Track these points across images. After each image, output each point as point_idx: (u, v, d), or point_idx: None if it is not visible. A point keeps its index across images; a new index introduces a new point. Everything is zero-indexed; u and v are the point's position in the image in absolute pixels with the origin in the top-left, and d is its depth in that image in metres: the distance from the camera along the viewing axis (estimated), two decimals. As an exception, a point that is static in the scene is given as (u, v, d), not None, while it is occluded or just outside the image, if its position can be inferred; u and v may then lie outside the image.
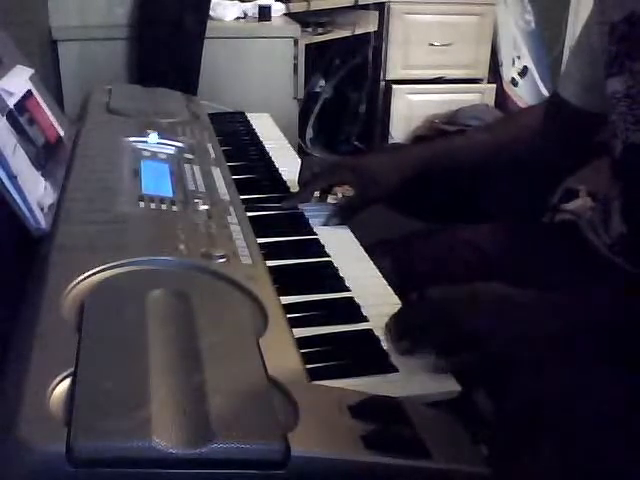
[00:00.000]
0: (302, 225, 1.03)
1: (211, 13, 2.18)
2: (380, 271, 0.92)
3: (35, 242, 0.80)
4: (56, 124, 1.03)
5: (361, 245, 1.00)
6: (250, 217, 0.97)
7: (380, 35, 2.95)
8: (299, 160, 1.26)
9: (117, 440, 0.49)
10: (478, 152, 1.15)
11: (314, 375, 0.66)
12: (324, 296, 0.84)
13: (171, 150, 1.10)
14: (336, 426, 0.57)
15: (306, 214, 1.07)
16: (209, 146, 1.20)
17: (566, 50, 3.42)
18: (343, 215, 1.06)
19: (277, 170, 1.24)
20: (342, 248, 0.97)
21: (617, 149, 0.95)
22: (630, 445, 0.68)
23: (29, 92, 0.98)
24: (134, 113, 1.24)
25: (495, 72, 3.18)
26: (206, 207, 0.92)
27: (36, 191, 0.83)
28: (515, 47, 3.24)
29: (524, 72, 3.26)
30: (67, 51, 2.03)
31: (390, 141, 3.04)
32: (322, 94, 3.04)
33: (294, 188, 1.14)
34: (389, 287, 0.88)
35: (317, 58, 2.90)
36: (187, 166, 1.05)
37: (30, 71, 1.03)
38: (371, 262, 0.95)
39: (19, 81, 0.97)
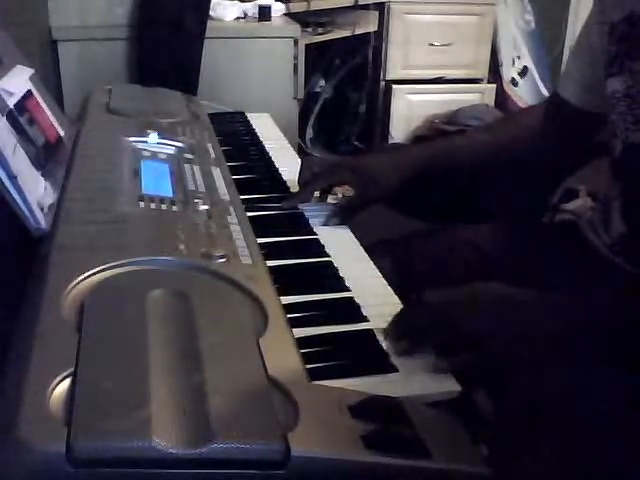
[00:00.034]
0: (302, 225, 1.03)
1: (211, 13, 2.18)
2: (380, 271, 0.92)
3: (35, 242, 0.80)
4: (56, 124, 1.03)
5: (361, 245, 1.00)
6: (250, 217, 0.97)
7: (380, 35, 2.95)
8: (299, 160, 1.26)
9: (117, 440, 0.49)
10: (478, 152, 1.15)
11: (314, 375, 0.66)
12: (324, 296, 0.84)
13: (171, 150, 1.10)
14: (336, 426, 0.57)
15: (306, 214, 1.07)
16: (209, 146, 1.20)
17: (566, 50, 3.42)
18: (343, 215, 1.06)
19: (277, 170, 1.24)
20: (342, 248, 0.97)
21: (617, 149, 0.95)
22: (630, 445, 0.68)
23: (29, 92, 0.98)
24: (134, 113, 1.24)
25: (495, 72, 3.18)
26: (206, 207, 0.92)
27: (36, 191, 0.83)
28: (515, 47, 3.24)
29: (524, 72, 3.26)
30: (67, 51, 2.03)
31: (390, 141, 3.04)
32: (322, 94, 3.04)
33: (294, 188, 1.14)
34: (389, 287, 0.88)
35: (317, 58, 2.90)
36: (187, 166, 1.05)
37: (30, 71, 1.03)
38: (371, 262, 0.95)
39: (19, 81, 0.97)
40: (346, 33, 2.76)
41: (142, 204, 0.88)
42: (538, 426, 0.71)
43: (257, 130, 1.48)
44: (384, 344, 0.75)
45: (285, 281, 0.83)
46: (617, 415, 0.70)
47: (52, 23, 2.00)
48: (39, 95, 1.01)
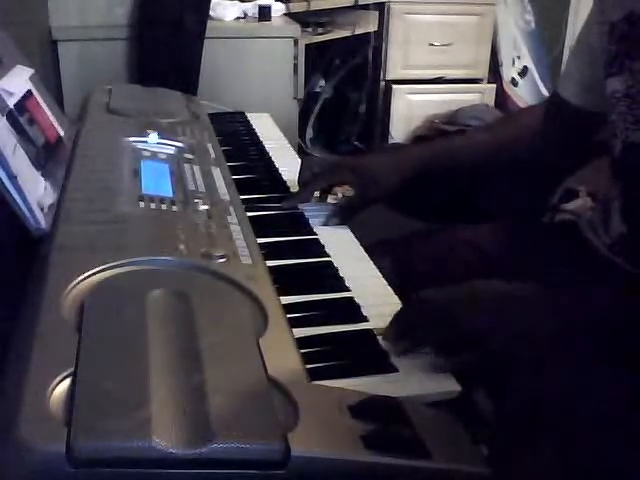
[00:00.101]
0: (302, 225, 1.03)
1: (211, 13, 2.18)
2: (380, 271, 0.92)
3: (35, 242, 0.80)
4: (56, 124, 1.03)
5: (361, 245, 1.00)
6: (250, 217, 0.97)
7: (380, 35, 2.95)
8: (299, 160, 1.26)
9: (117, 440, 0.49)
10: (478, 152, 1.15)
11: (314, 375, 0.66)
12: (324, 296, 0.84)
13: (171, 150, 1.10)
14: (336, 426, 0.57)
15: (306, 214, 1.07)
16: (209, 146, 1.20)
17: (566, 50, 3.42)
18: (343, 215, 1.06)
19: (277, 170, 1.24)
20: (342, 248, 0.97)
21: (617, 149, 0.95)
22: (630, 445, 0.68)
23: (29, 92, 0.98)
24: (134, 113, 1.24)
25: (495, 72, 3.18)
26: (206, 207, 0.92)
27: (36, 191, 0.83)
28: (515, 47, 3.24)
29: (524, 72, 3.26)
30: (67, 51, 2.03)
31: (390, 141, 3.04)
32: (322, 94, 3.04)
33: (294, 188, 1.14)
34: (389, 287, 0.88)
35: (317, 58, 2.90)
36: (187, 166, 1.05)
37: (30, 71, 1.03)
38: (371, 262, 0.95)
39: (19, 81, 0.97)
40: (346, 33, 2.76)
41: (142, 204, 0.88)
42: (538, 426, 0.71)
43: (257, 130, 1.48)
44: (384, 344, 0.75)
45: (285, 281, 0.83)
46: (617, 415, 0.70)
47: (52, 23, 2.00)
48: (39, 95, 1.01)
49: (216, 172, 1.08)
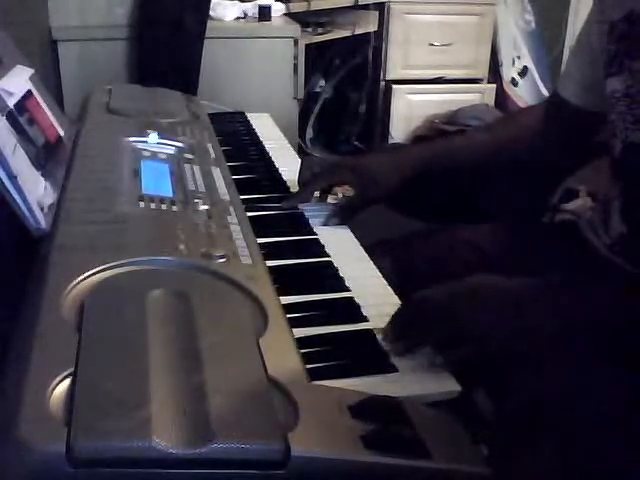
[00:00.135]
0: (302, 225, 1.03)
1: (211, 13, 2.18)
2: (380, 271, 0.92)
3: (35, 242, 0.80)
4: (56, 124, 1.03)
5: (361, 245, 1.00)
6: (250, 217, 0.97)
7: (380, 35, 2.95)
8: (299, 160, 1.26)
9: (117, 440, 0.49)
10: (478, 152, 1.15)
11: (314, 375, 0.66)
12: (324, 296, 0.84)
13: (171, 150, 1.10)
14: (336, 426, 0.57)
15: (306, 214, 1.07)
16: (209, 146, 1.20)
17: (566, 50, 3.42)
18: (343, 215, 1.06)
19: (277, 170, 1.24)
20: (342, 248, 0.97)
21: (616, 148, 0.95)
22: (630, 445, 0.68)
23: (29, 92, 0.98)
24: (134, 113, 1.24)
25: (495, 72, 3.18)
26: (206, 207, 0.92)
27: (36, 191, 0.83)
28: (515, 47, 3.24)
29: (524, 72, 3.26)
30: (67, 51, 2.03)
31: (390, 141, 3.04)
32: (322, 94, 3.04)
33: (294, 188, 1.14)
34: (389, 287, 0.88)
35: (317, 58, 2.90)
36: (187, 166, 1.05)
37: (30, 71, 1.03)
38: (371, 262, 0.95)
39: (19, 81, 0.97)
40: (346, 33, 2.76)
41: (142, 204, 0.88)
42: (538, 426, 0.71)
43: (257, 130, 1.48)
44: (383, 344, 0.75)
45: (285, 281, 0.83)
46: (617, 415, 0.70)
47: (52, 23, 2.00)
48: (39, 95, 1.01)
49: (216, 172, 1.08)
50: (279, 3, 2.41)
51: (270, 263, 0.86)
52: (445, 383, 0.70)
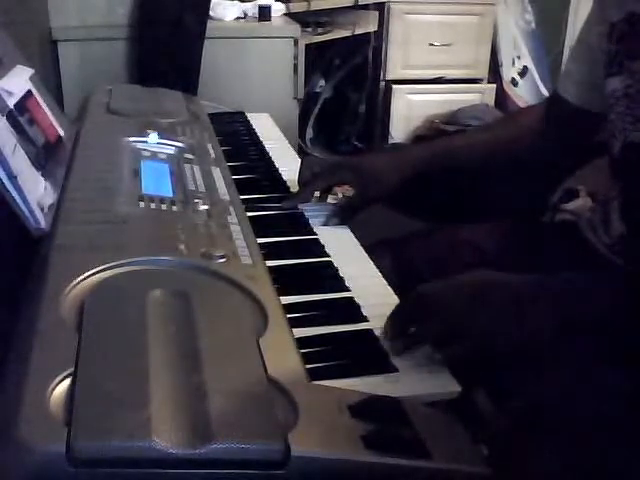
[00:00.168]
0: (302, 225, 1.03)
1: (211, 13, 2.18)
2: (380, 271, 0.92)
3: (35, 242, 0.80)
4: (56, 124, 1.03)
5: (361, 245, 1.00)
6: (250, 217, 0.97)
7: (380, 35, 2.95)
8: (299, 160, 1.26)
9: (117, 440, 0.49)
10: (478, 152, 1.15)
11: (314, 375, 0.66)
12: (324, 296, 0.84)
13: (171, 150, 1.10)
14: (336, 426, 0.57)
15: (306, 214, 1.07)
16: (209, 146, 1.20)
17: (566, 50, 3.42)
18: (343, 215, 1.06)
19: (277, 170, 1.24)
20: (342, 248, 0.97)
21: (616, 148, 0.95)
22: (630, 445, 0.68)
23: (29, 92, 0.98)
24: (134, 113, 1.24)
25: (495, 72, 3.18)
26: (206, 207, 0.92)
27: (36, 191, 0.83)
28: (515, 47, 3.24)
29: (524, 72, 3.26)
30: (67, 51, 2.03)
31: (390, 141, 3.04)
32: (322, 94, 3.04)
33: (294, 188, 1.14)
34: (389, 287, 0.88)
35: (317, 58, 2.90)
36: (187, 166, 1.05)
37: (30, 71, 1.03)
38: (371, 262, 0.95)
39: (19, 81, 0.97)
40: (346, 33, 2.76)
41: (142, 204, 0.88)
42: (538, 426, 0.71)
43: (257, 130, 1.48)
44: (384, 343, 0.75)
45: (285, 281, 0.83)
46: (617, 415, 0.70)
47: (52, 23, 2.00)
48: (39, 95, 1.01)
49: (216, 172, 1.08)
50: (279, 3, 2.41)
51: (270, 263, 0.86)
52: (445, 383, 0.70)
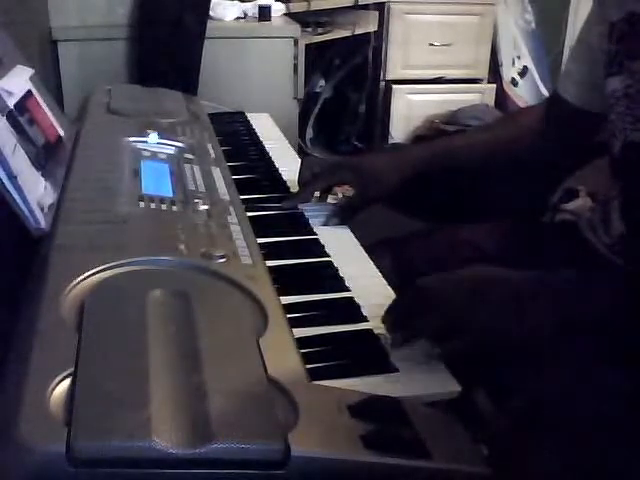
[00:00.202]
0: (302, 225, 1.03)
1: (211, 13, 2.18)
2: (380, 271, 0.92)
3: (35, 242, 0.80)
4: (56, 124, 1.03)
5: (361, 245, 1.00)
6: (250, 217, 0.97)
7: (380, 35, 2.95)
8: (299, 160, 1.26)
9: (117, 440, 0.49)
10: (478, 152, 1.15)
11: (314, 375, 0.66)
12: (324, 296, 0.84)
13: (171, 150, 1.10)
14: (336, 426, 0.57)
15: (306, 214, 1.07)
16: (209, 146, 1.20)
17: (566, 50, 3.42)
18: (343, 215, 1.06)
19: (277, 170, 1.24)
20: (342, 248, 0.97)
21: (616, 148, 0.95)
22: (630, 445, 0.68)
23: (29, 92, 0.98)
24: (134, 113, 1.24)
25: (495, 72, 3.18)
26: (206, 207, 0.92)
27: (36, 191, 0.83)
28: (515, 47, 3.24)
29: (524, 72, 3.26)
30: (67, 51, 2.03)
31: (390, 141, 3.04)
32: (322, 94, 3.04)
33: (294, 188, 1.14)
34: (389, 287, 0.88)
35: (317, 58, 2.90)
36: (187, 166, 1.05)
37: (30, 71, 1.03)
38: (371, 262, 0.95)
39: (19, 81, 0.97)
40: (346, 33, 2.76)
41: (142, 204, 0.88)
42: (538, 426, 0.71)
43: (257, 130, 1.48)
44: (384, 343, 0.75)
45: (285, 281, 0.83)
46: (617, 415, 0.70)
47: (52, 23, 2.00)
48: (39, 95, 1.01)
49: (216, 172, 1.08)
50: (279, 3, 2.41)
51: (270, 263, 0.86)
52: (445, 383, 0.70)
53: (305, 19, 2.52)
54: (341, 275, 0.89)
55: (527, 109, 2.05)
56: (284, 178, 1.20)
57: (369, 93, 3.08)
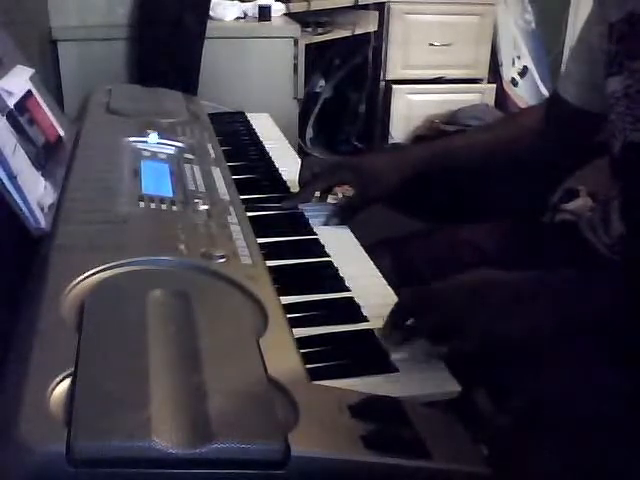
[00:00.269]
0: (302, 225, 1.03)
1: (211, 13, 2.18)
2: (380, 271, 0.92)
3: (35, 242, 0.80)
4: (56, 124, 1.03)
5: (361, 245, 1.00)
6: (250, 217, 0.97)
7: (380, 35, 2.95)
8: (299, 160, 1.26)
9: (117, 440, 0.49)
10: (478, 152, 1.15)
11: (314, 375, 0.66)
12: (324, 296, 0.84)
13: (171, 150, 1.10)
14: (336, 426, 0.57)
15: (306, 214, 1.07)
16: (209, 146, 1.20)
17: (566, 50, 3.42)
18: (343, 215, 1.06)
19: (277, 170, 1.24)
20: (342, 248, 0.97)
21: (616, 148, 0.95)
22: (630, 445, 0.68)
23: (29, 92, 0.98)
24: (134, 113, 1.24)
25: (495, 72, 3.18)
26: (206, 207, 0.92)
27: (36, 191, 0.83)
28: (515, 47, 3.24)
29: (524, 72, 3.26)
30: (67, 51, 2.03)
31: (390, 141, 3.04)
32: (322, 94, 3.04)
33: (294, 188, 1.14)
34: (389, 287, 0.88)
35: (317, 58, 2.90)
36: (187, 166, 1.05)
37: (30, 71, 1.03)
38: (371, 262, 0.95)
39: (19, 81, 0.97)
40: (346, 33, 2.76)
41: (142, 204, 0.88)
42: (538, 426, 0.71)
43: (257, 130, 1.48)
44: (383, 342, 0.75)
45: (285, 281, 0.83)
46: (617, 415, 0.70)
47: (52, 23, 2.00)
48: (39, 95, 1.01)
49: (216, 172, 1.08)
50: (279, 3, 2.41)
51: (270, 263, 0.86)
52: (445, 383, 0.70)
53: (305, 19, 2.52)
54: (341, 275, 0.89)
55: (527, 109, 2.05)
56: (284, 178, 1.20)
57: (369, 93, 3.08)
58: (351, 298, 0.84)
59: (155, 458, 0.49)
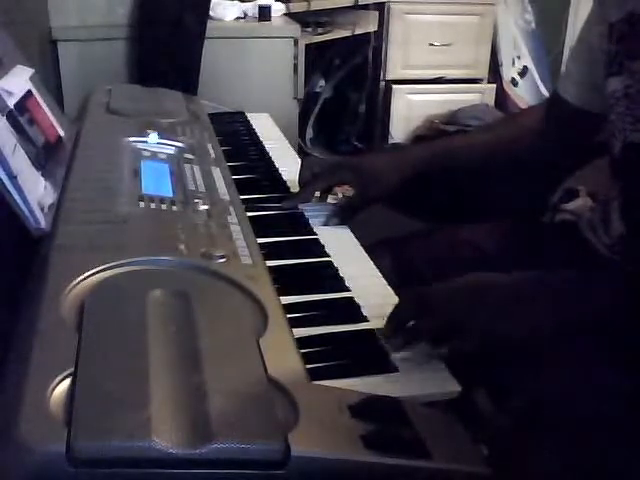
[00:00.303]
0: (302, 225, 1.03)
1: (211, 13, 2.18)
2: (380, 271, 0.92)
3: (35, 242, 0.80)
4: (56, 124, 1.03)
5: (361, 245, 1.00)
6: (250, 217, 0.97)
7: (380, 35, 2.95)
8: (299, 160, 1.26)
9: (117, 440, 0.49)
10: (478, 152, 1.15)
11: (314, 375, 0.66)
12: (324, 296, 0.84)
13: (171, 150, 1.10)
14: (336, 426, 0.57)
15: (306, 214, 1.07)
16: (209, 146, 1.20)
17: (566, 50, 3.42)
18: (343, 215, 1.06)
19: (277, 170, 1.24)
20: (342, 248, 0.97)
21: (616, 148, 0.95)
22: (630, 445, 0.68)
23: (29, 92, 0.98)
24: (134, 113, 1.24)
25: (495, 72, 3.18)
26: (206, 207, 0.92)
27: (36, 191, 0.83)
28: (515, 47, 3.24)
29: (524, 72, 3.26)
30: (67, 51, 2.03)
31: (390, 141, 3.04)
32: (322, 94, 3.04)
33: (294, 188, 1.14)
34: (389, 287, 0.88)
35: (317, 58, 2.90)
36: (187, 166, 1.05)
37: (30, 71, 1.03)
38: (371, 262, 0.95)
39: (19, 81, 0.97)
40: (346, 33, 2.76)
41: (142, 204, 0.88)
42: (538, 426, 0.71)
43: (257, 130, 1.48)
44: (384, 342, 0.75)
45: (285, 281, 0.83)
46: (617, 415, 0.70)
47: (52, 23, 2.00)
48: (39, 95, 1.01)
49: (216, 172, 1.08)
50: (279, 3, 2.41)
51: (270, 263, 0.86)
52: (445, 383, 0.70)
53: (305, 19, 2.52)
54: (341, 275, 0.89)
55: (527, 109, 2.05)
56: (284, 178, 1.20)
57: (369, 93, 3.08)
58: (351, 298, 0.84)
59: (155, 458, 0.49)
